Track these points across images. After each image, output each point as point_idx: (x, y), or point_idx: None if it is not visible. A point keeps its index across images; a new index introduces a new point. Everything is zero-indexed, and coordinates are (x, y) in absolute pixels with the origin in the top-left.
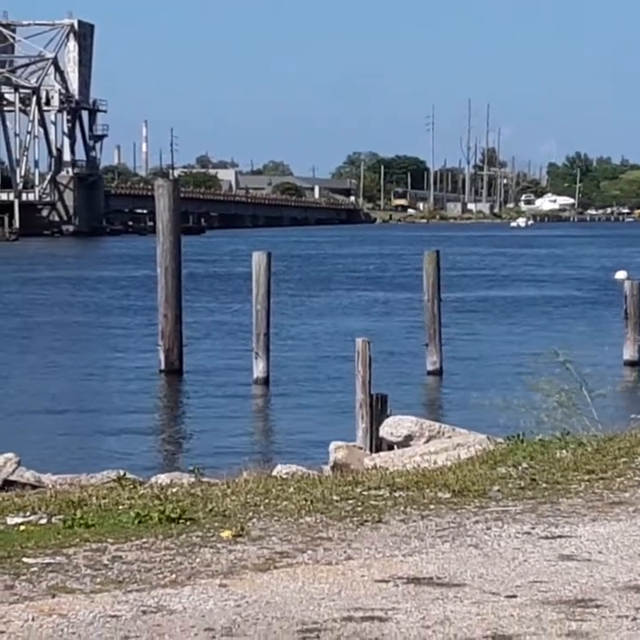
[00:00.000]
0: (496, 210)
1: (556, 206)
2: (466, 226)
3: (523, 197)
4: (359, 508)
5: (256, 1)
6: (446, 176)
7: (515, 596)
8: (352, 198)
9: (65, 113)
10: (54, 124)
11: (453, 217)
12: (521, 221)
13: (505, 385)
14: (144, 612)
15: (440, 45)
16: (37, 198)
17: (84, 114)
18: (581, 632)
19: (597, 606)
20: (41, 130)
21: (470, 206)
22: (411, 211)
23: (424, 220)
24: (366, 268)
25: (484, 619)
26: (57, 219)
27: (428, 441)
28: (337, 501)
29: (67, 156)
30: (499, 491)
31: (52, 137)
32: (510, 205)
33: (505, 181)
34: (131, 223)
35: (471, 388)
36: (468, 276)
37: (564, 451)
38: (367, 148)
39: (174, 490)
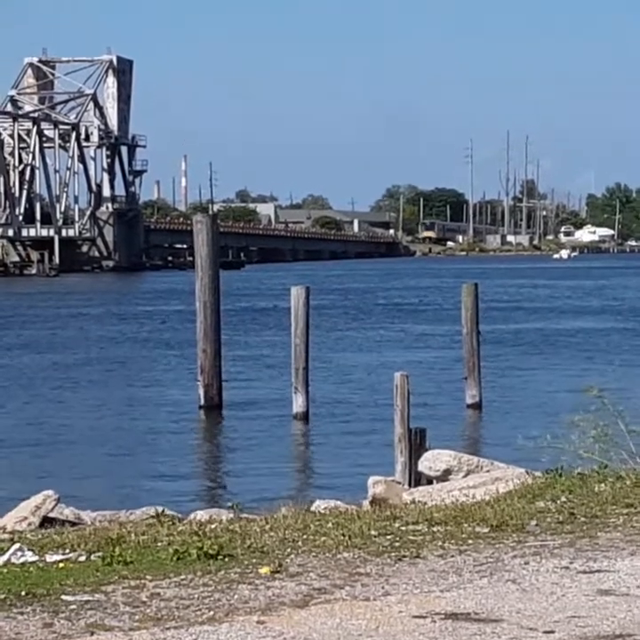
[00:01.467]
0: (535, 242)
1: (596, 237)
2: (506, 258)
3: (562, 229)
4: (397, 544)
5: (292, 34)
6: (485, 208)
7: (553, 632)
8: (391, 231)
9: (104, 148)
10: (94, 159)
11: (493, 249)
12: (564, 253)
13: (545, 417)
14: None
15: (479, 77)
16: (77, 234)
17: (123, 149)
18: None
19: None
20: (80, 166)
21: (509, 238)
22: (450, 243)
23: (463, 253)
24: (406, 302)
25: None
26: (97, 254)
27: (466, 475)
28: (375, 536)
29: (106, 192)
30: (537, 525)
31: (91, 173)
32: (550, 237)
33: (544, 213)
34: (170, 258)
35: (510, 421)
36: (509, 309)
37: (602, 484)
38: (406, 180)
39: (213, 526)
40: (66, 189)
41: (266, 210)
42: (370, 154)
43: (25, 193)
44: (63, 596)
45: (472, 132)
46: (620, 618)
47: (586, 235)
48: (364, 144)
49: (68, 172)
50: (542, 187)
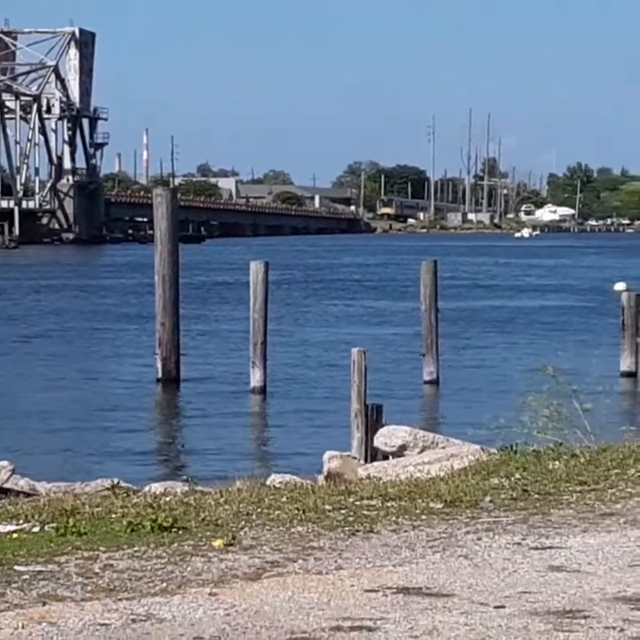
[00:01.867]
0: (496, 220)
1: (557, 217)
2: (467, 236)
3: (523, 208)
4: (351, 518)
5: (256, 9)
6: (447, 186)
7: (503, 607)
8: (352, 208)
9: (65, 121)
10: (55, 131)
11: (453, 227)
12: (525, 232)
13: (501, 395)
14: (134, 621)
15: (441, 55)
16: (37, 206)
17: (85, 122)
18: None
19: (585, 617)
20: (41, 137)
21: (470, 216)
22: (411, 221)
23: (424, 231)
24: (365, 278)
25: (471, 629)
26: (57, 226)
27: (421, 451)
28: (329, 511)
29: (67, 164)
30: (490, 501)
31: (52, 145)
32: (510, 216)
33: (505, 192)
34: (131, 231)
35: (467, 398)
36: (468, 286)
37: (556, 462)
38: (368, 157)
39: (167, 499)
40: (26, 161)
41: (227, 184)
42: (332, 130)
43: None
44: (16, 567)
45: (435, 110)
46: (570, 594)
47: (546, 214)
48: (326, 119)
49: (28, 144)
50: (504, 165)
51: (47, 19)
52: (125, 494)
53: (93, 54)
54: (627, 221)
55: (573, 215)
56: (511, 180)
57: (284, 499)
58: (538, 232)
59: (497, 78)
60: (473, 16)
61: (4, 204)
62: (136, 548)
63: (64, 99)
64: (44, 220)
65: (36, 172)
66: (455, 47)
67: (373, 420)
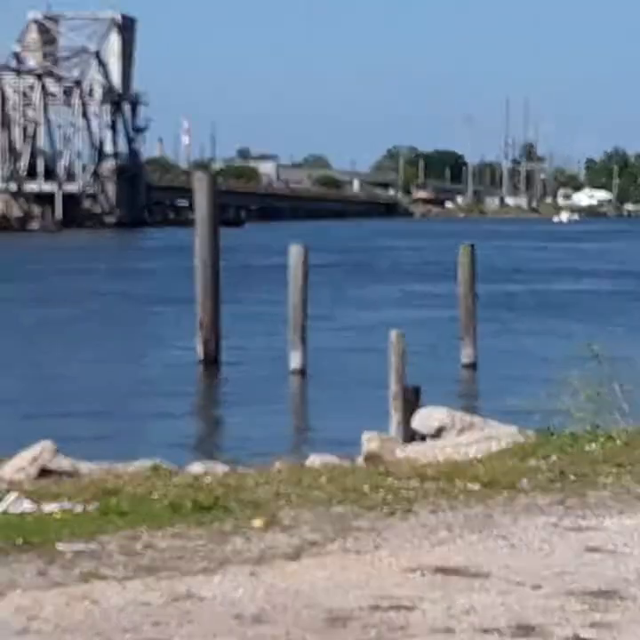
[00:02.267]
0: (534, 204)
1: (594, 202)
2: (505, 220)
3: (560, 192)
4: (389, 499)
5: None
6: (485, 171)
7: (540, 587)
8: (391, 191)
9: (107, 105)
10: (97, 116)
11: (491, 211)
12: (563, 216)
13: (539, 378)
14: (174, 599)
15: (479, 39)
16: (79, 190)
17: (126, 106)
18: (604, 623)
19: (621, 598)
20: (83, 122)
21: (508, 201)
22: (449, 205)
23: (462, 214)
24: (403, 261)
25: (508, 609)
26: (99, 210)
27: (459, 433)
28: (368, 491)
29: (109, 148)
30: (528, 483)
31: (94, 129)
32: (548, 200)
33: (543, 176)
34: (172, 215)
35: (505, 381)
36: (505, 270)
37: (593, 444)
38: (407, 141)
39: (208, 479)
40: (69, 145)
41: (267, 169)
42: (371, 114)
43: (28, 148)
44: (59, 545)
45: (473, 94)
46: (606, 574)
47: (584, 198)
48: (365, 104)
49: (70, 129)
50: (541, 150)
51: (89, 3)
52: (166, 475)
53: (134, 39)
54: None
55: (610, 200)
56: (549, 165)
57: (323, 479)
58: (576, 216)
59: (535, 62)
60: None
61: (47, 187)
62: (177, 528)
63: (105, 84)
64: (86, 204)
65: (78, 156)
66: (493, 30)
67: (412, 401)
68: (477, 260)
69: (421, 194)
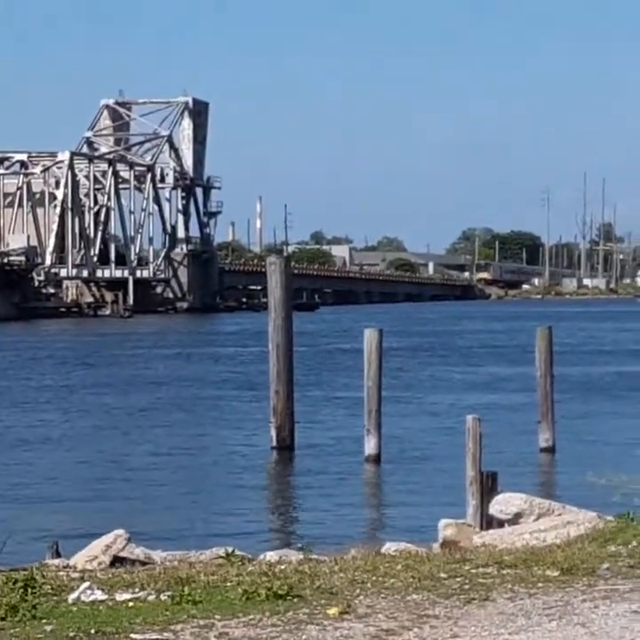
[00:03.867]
0: (612, 285)
1: None
2: (583, 301)
3: (639, 273)
4: (466, 586)
5: (364, 72)
6: (561, 251)
7: None
8: (466, 274)
9: (179, 190)
10: (169, 201)
11: (569, 292)
12: None
13: (618, 462)
14: None
15: (556, 119)
16: (152, 275)
17: (198, 191)
18: None
19: None
20: (155, 207)
21: (586, 282)
22: (525, 286)
23: (539, 296)
24: (479, 344)
25: None
26: (171, 295)
27: (537, 518)
28: (445, 579)
29: (181, 233)
30: (608, 569)
31: (166, 214)
32: (627, 281)
33: (621, 256)
34: (245, 300)
35: (583, 465)
36: (585, 352)
37: None
38: (482, 223)
39: (282, 567)
40: (140, 230)
41: (341, 252)
42: (446, 196)
43: (100, 234)
44: (132, 635)
45: (549, 175)
46: None
47: None
48: (440, 187)
49: (142, 214)
50: (619, 230)
51: (161, 89)
52: (240, 562)
53: (207, 123)
54: None
55: None
56: (627, 245)
57: (399, 567)
58: None
59: (611, 142)
60: (586, 79)
61: (119, 273)
62: (251, 617)
63: (178, 168)
64: (159, 289)
65: (150, 241)
66: (569, 111)
67: (488, 487)
68: (554, 342)
69: (483, 274)
